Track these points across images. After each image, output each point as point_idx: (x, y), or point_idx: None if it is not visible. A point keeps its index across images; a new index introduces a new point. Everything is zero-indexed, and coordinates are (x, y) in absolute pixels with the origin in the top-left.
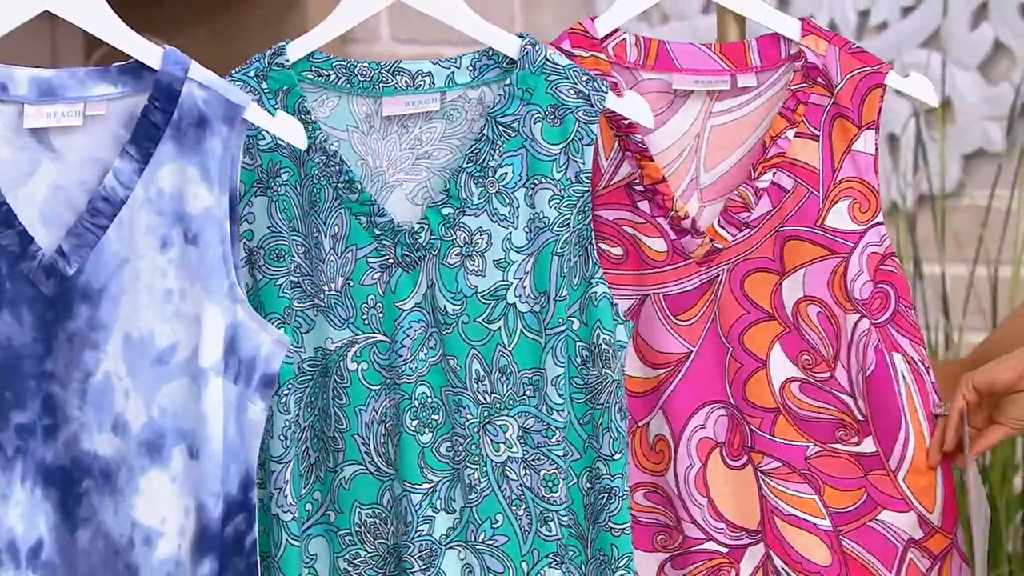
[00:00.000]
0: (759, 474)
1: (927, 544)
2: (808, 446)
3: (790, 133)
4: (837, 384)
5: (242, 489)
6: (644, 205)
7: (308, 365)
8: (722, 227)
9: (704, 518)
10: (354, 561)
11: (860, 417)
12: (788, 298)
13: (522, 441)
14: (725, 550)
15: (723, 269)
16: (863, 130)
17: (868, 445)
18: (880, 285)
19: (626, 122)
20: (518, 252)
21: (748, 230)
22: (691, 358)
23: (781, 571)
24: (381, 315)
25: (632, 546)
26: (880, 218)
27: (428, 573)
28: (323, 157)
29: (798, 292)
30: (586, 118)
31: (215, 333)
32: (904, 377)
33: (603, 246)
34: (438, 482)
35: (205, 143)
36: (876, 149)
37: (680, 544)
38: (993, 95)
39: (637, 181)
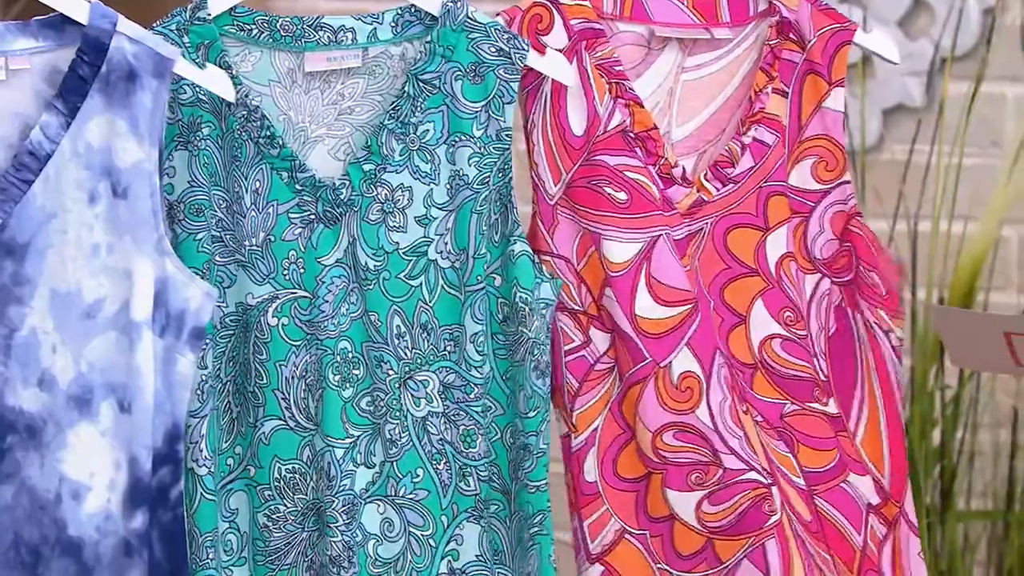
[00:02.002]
0: (755, 424)
1: (883, 510)
2: (784, 404)
3: (769, 88)
4: (810, 343)
5: (168, 442)
6: (639, 151)
7: (229, 320)
8: (708, 180)
9: (743, 448)
10: (273, 516)
11: (823, 378)
12: (772, 254)
13: (442, 396)
14: (766, 481)
15: (707, 223)
16: (833, 87)
17: (832, 406)
18: (845, 244)
19: (618, 68)
20: (439, 209)
21: (732, 185)
22: (699, 301)
23: (790, 515)
24: (302, 271)
25: (548, 503)
26: (847, 177)
27: (351, 527)
28: (244, 112)
29: (781, 248)
30: (507, 76)
31: (146, 286)
32: (862, 339)
33: (608, 190)
34: (359, 437)
35: (134, 97)
36: (844, 107)
37: (719, 478)
38: (913, 50)
39: (629, 128)
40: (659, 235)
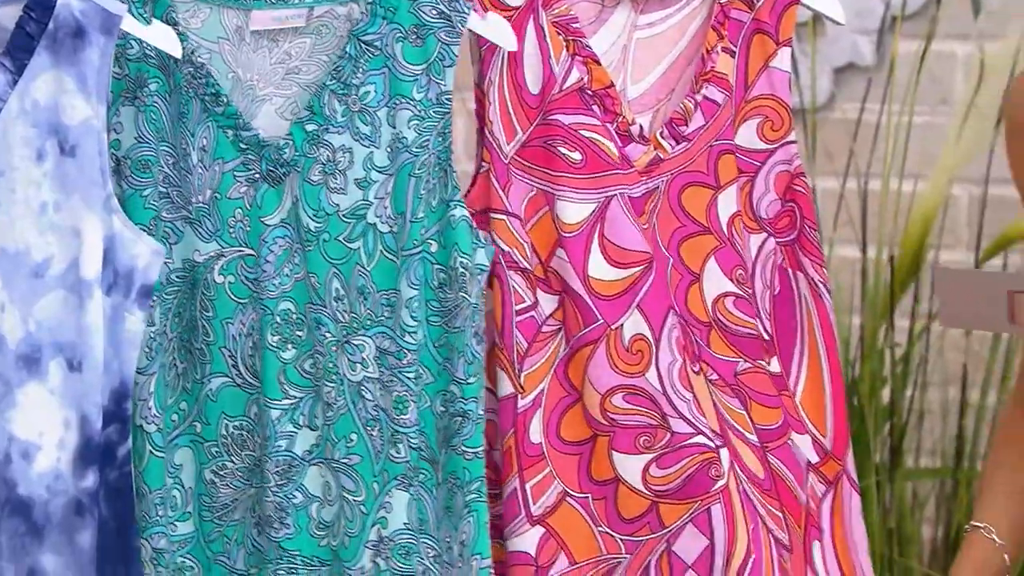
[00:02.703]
0: (708, 383)
1: (822, 469)
2: (738, 362)
3: (719, 47)
4: (755, 302)
5: (116, 400)
6: (596, 109)
7: (176, 276)
8: (664, 138)
9: (692, 412)
10: (220, 472)
11: (767, 337)
12: (723, 212)
13: (378, 362)
14: (713, 444)
15: (663, 180)
16: (781, 47)
17: (775, 365)
18: (788, 204)
19: (575, 25)
20: (379, 172)
21: (685, 143)
22: (655, 260)
23: (740, 476)
24: (247, 229)
25: (485, 470)
26: (792, 136)
27: (285, 488)
28: (191, 69)
29: (732, 206)
30: (448, 39)
31: (95, 244)
32: (805, 298)
33: (562, 150)
34: (301, 398)
35: (82, 53)
36: (793, 66)
37: (667, 442)
38: (863, 8)
39: (587, 86)
40: (613, 195)
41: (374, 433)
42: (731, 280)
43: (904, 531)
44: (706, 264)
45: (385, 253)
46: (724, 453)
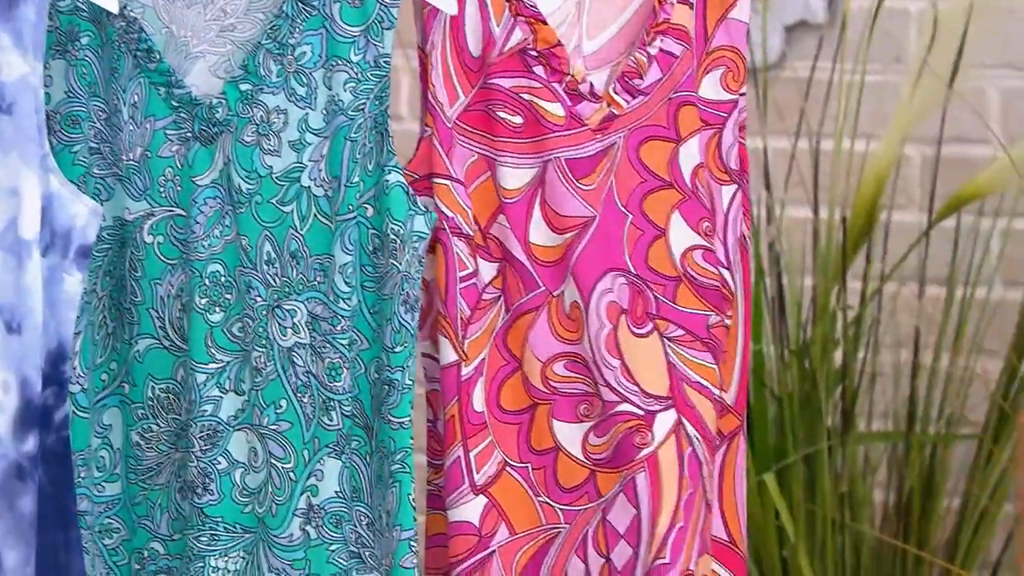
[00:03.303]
0: (665, 341)
1: (719, 422)
2: (710, 315)
3: None
4: (726, 255)
5: (52, 363)
6: (539, 70)
7: (107, 234)
8: (617, 93)
9: (618, 380)
10: (146, 435)
11: (734, 290)
12: (686, 165)
13: (310, 327)
14: (640, 412)
15: (619, 136)
16: None
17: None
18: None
19: None
20: (314, 134)
21: (642, 96)
22: (595, 222)
23: (692, 437)
24: (178, 189)
25: (411, 440)
26: (744, 88)
27: (209, 454)
28: (123, 23)
29: (695, 158)
30: (387, 1)
31: (33, 204)
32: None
33: (501, 114)
34: (228, 362)
35: (17, 10)
36: (749, 17)
37: (601, 410)
38: None
39: (531, 46)
40: (549, 160)
41: (304, 400)
42: (697, 233)
43: (856, 495)
44: (671, 218)
45: (319, 217)
46: (664, 418)
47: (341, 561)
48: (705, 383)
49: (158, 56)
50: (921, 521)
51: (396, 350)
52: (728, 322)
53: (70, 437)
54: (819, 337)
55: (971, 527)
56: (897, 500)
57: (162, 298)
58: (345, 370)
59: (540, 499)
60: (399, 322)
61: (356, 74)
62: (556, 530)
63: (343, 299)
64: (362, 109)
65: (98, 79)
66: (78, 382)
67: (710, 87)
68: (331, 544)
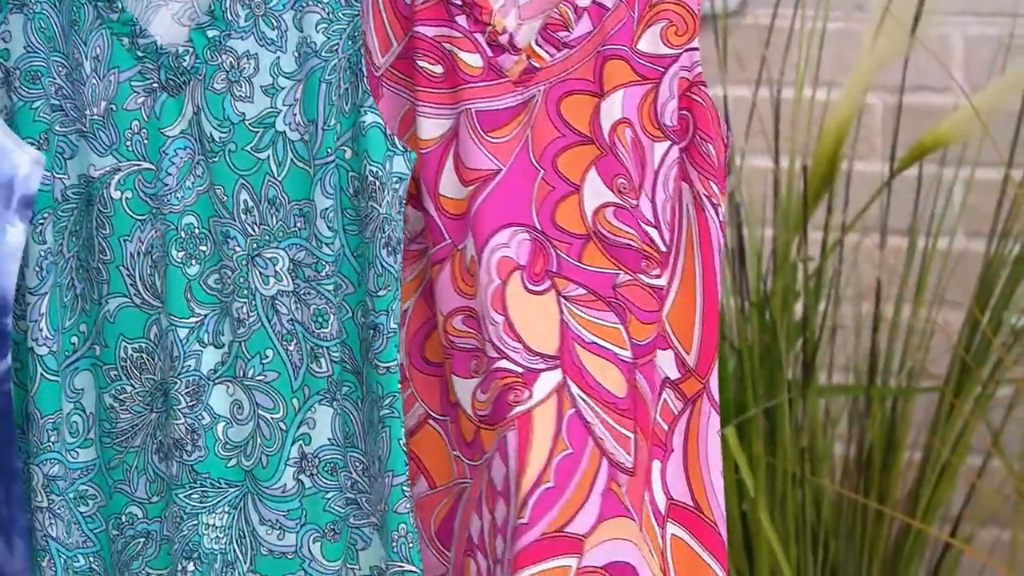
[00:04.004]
0: (562, 300)
1: (681, 385)
2: (618, 274)
3: None
4: (641, 214)
5: None
6: (461, 19)
7: (72, 192)
8: (540, 45)
9: (499, 336)
10: (120, 396)
11: (663, 248)
12: (605, 120)
13: (292, 274)
14: (519, 370)
15: (539, 90)
16: None
17: (664, 279)
18: (683, 112)
19: None
20: (287, 78)
21: (567, 50)
22: (499, 176)
23: (578, 398)
24: (146, 141)
25: (399, 384)
26: (696, 43)
27: (195, 409)
28: None
29: (615, 113)
30: None
31: None
32: (688, 210)
33: (422, 63)
34: (206, 315)
35: None
36: None
37: (486, 366)
38: None
39: None
40: (462, 111)
41: (291, 348)
42: (611, 190)
43: (816, 449)
44: (587, 175)
45: (296, 162)
46: (547, 377)
47: (338, 508)
48: (604, 343)
49: (120, 6)
50: (882, 475)
51: (380, 294)
52: (651, 281)
53: (30, 398)
54: (780, 289)
55: (932, 481)
56: (858, 454)
57: (132, 255)
58: (332, 316)
59: (455, 453)
60: (382, 265)
61: (328, 14)
62: (463, 485)
63: (326, 244)
64: (336, 50)
65: (57, 33)
66: (46, 344)
67: (649, 41)
68: (327, 492)
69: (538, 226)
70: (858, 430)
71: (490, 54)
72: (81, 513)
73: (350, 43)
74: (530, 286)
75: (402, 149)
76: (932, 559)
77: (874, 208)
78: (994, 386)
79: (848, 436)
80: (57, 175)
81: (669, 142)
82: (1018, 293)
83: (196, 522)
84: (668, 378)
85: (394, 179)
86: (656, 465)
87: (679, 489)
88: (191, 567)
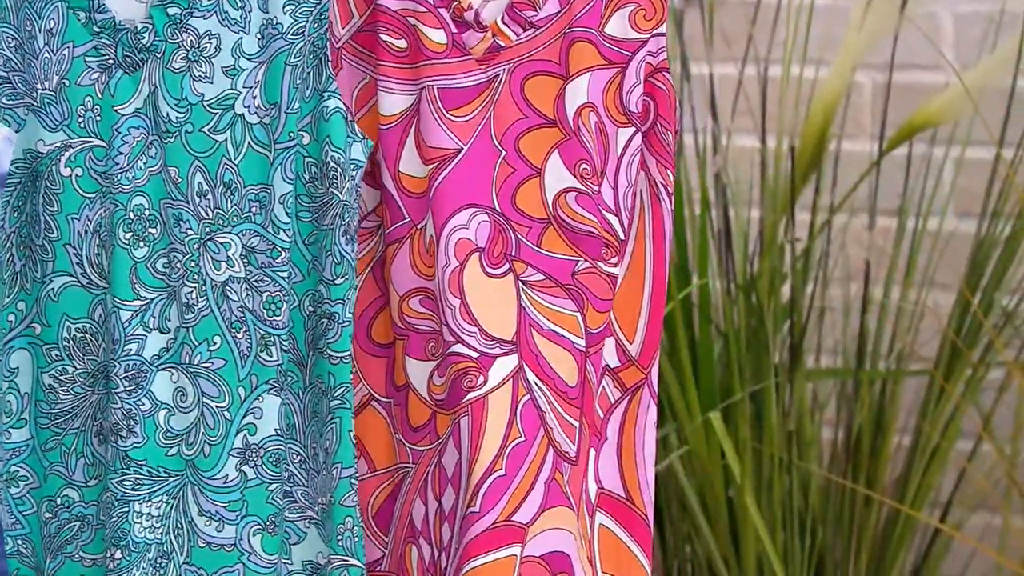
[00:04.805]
0: (520, 285)
1: (621, 375)
2: (577, 261)
3: None
4: (602, 200)
5: None
6: None
7: (16, 168)
8: (506, 24)
9: (455, 319)
10: (61, 377)
11: (623, 236)
12: (570, 104)
13: (245, 260)
14: (475, 355)
15: (504, 69)
16: None
17: (620, 268)
18: (644, 98)
19: None
20: (249, 59)
21: (533, 30)
22: (460, 156)
23: (533, 384)
24: (99, 119)
25: (351, 375)
26: (663, 28)
27: (134, 395)
28: None
29: (581, 97)
30: None
31: None
32: (642, 198)
33: (386, 38)
34: (152, 299)
35: None
36: None
37: (443, 350)
38: None
39: None
40: (423, 88)
41: (239, 336)
42: (574, 175)
43: (803, 433)
44: (548, 158)
45: (254, 146)
46: (503, 362)
47: (278, 500)
48: (560, 331)
49: None
50: (870, 460)
51: (336, 282)
52: (609, 269)
53: None
54: (766, 271)
55: (922, 466)
56: (846, 438)
57: (80, 233)
58: (284, 304)
59: (397, 437)
60: (340, 253)
61: None
62: (406, 470)
63: (283, 230)
64: (302, 32)
65: (9, 5)
66: None
67: (618, 24)
68: (270, 483)
69: (498, 208)
70: (846, 414)
71: (455, 31)
72: (11, 495)
73: (315, 26)
74: (488, 269)
75: (360, 136)
76: (921, 545)
77: (863, 188)
78: (984, 369)
79: (836, 420)
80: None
81: (633, 128)
82: (1009, 274)
83: (127, 509)
84: (608, 366)
85: (352, 166)
86: (592, 454)
87: (611, 479)
88: (118, 555)
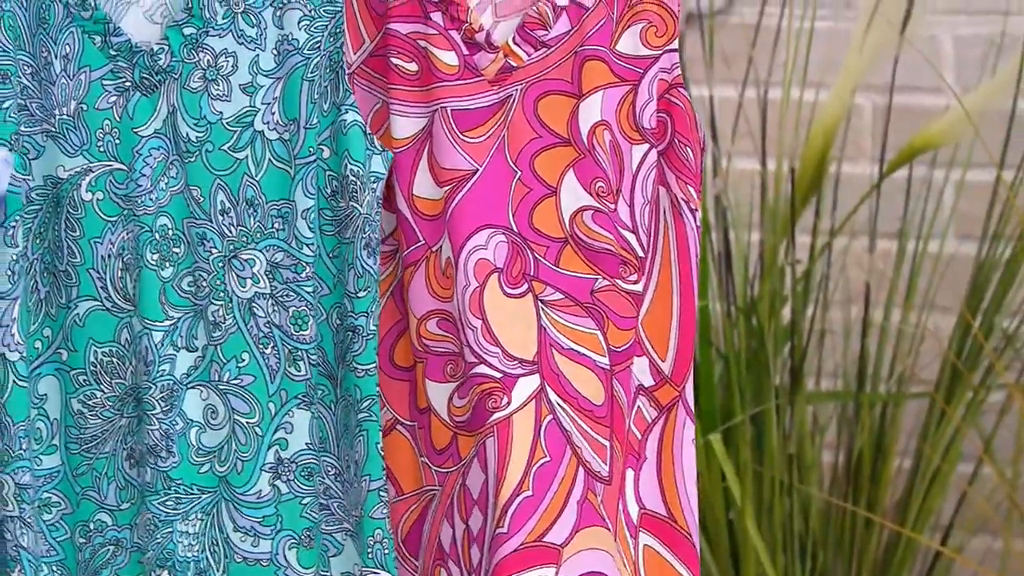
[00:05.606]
0: (540, 304)
1: (656, 393)
2: (596, 279)
3: None
4: (619, 218)
5: None
6: (437, 17)
7: (37, 194)
8: (517, 44)
9: (477, 340)
10: (89, 402)
11: (641, 254)
12: (584, 122)
13: (270, 276)
14: (498, 375)
15: (516, 90)
16: None
17: (640, 285)
18: (660, 114)
19: None
20: (266, 76)
21: (545, 49)
22: (476, 176)
23: (556, 405)
24: (118, 142)
25: (377, 388)
26: (675, 44)
27: (170, 414)
28: None
29: (594, 116)
30: None
31: None
32: (665, 215)
33: (397, 61)
34: (179, 319)
35: None
36: None
37: (464, 371)
38: None
39: None
40: (436, 110)
41: (267, 351)
42: (590, 193)
43: (804, 457)
44: (564, 177)
45: (274, 161)
46: (526, 382)
47: (313, 514)
48: (581, 350)
49: (93, 4)
50: (871, 483)
51: (360, 295)
52: (628, 287)
53: (0, 405)
54: (767, 293)
55: (923, 489)
56: (847, 461)
57: (103, 257)
58: (311, 318)
59: (422, 459)
60: (362, 266)
61: (309, 11)
62: (432, 492)
63: (306, 245)
64: (318, 47)
65: (24, 32)
66: (17, 350)
67: (629, 42)
68: (303, 497)
69: (515, 228)
70: (847, 437)
71: (466, 52)
72: (45, 522)
73: (331, 40)
74: (508, 289)
75: (380, 148)
76: (923, 568)
77: (863, 211)
78: (985, 392)
79: (837, 443)
80: (23, 176)
81: (648, 145)
82: (1009, 297)
83: (171, 529)
84: (642, 385)
85: (372, 179)
86: (629, 474)
87: (652, 499)
88: (165, 575)
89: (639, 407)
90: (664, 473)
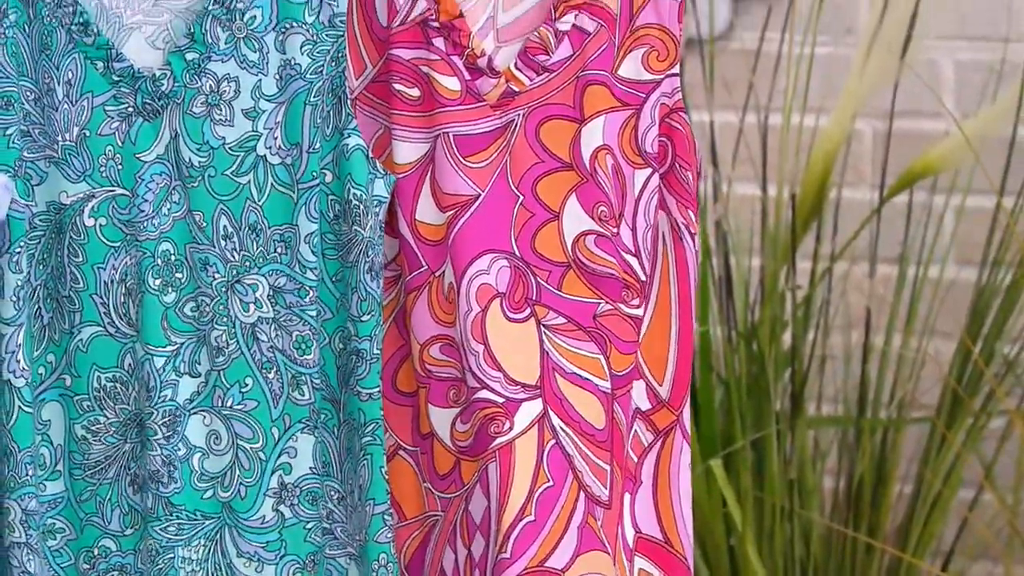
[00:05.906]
0: (542, 329)
1: (653, 417)
2: (599, 303)
3: None
4: (621, 242)
5: None
6: (439, 42)
7: (40, 220)
8: (519, 69)
9: (479, 365)
10: (93, 427)
11: (644, 278)
12: (586, 147)
13: (273, 301)
14: (500, 400)
15: (518, 114)
16: None
17: (642, 309)
18: (661, 139)
19: None
20: (268, 101)
21: (547, 74)
22: (478, 201)
23: (558, 429)
24: (120, 167)
25: (381, 412)
26: (676, 69)
27: (172, 440)
28: None
29: (596, 140)
30: None
31: None
32: (664, 239)
33: (399, 87)
34: (181, 344)
35: None
36: None
37: (467, 396)
38: None
39: (433, 17)
40: (439, 136)
41: (271, 376)
42: (592, 218)
43: (805, 482)
44: (566, 202)
45: (277, 186)
46: (528, 407)
47: (317, 539)
48: (584, 374)
49: (96, 30)
50: (872, 508)
51: (363, 319)
52: (631, 311)
53: (7, 431)
54: (767, 319)
55: (924, 514)
56: (847, 487)
57: (106, 283)
58: (314, 342)
59: (425, 485)
60: (365, 290)
61: (312, 36)
62: (435, 518)
63: (310, 269)
64: (320, 71)
65: (26, 58)
66: (23, 376)
67: (631, 66)
68: (307, 522)
69: (518, 253)
70: (848, 462)
71: (468, 77)
72: (49, 548)
73: (334, 65)
74: (510, 314)
75: (382, 172)
76: None
77: (863, 236)
78: (986, 418)
79: (838, 468)
80: (26, 203)
81: (650, 169)
82: (1010, 323)
83: (172, 555)
84: (639, 409)
85: (375, 202)
86: (626, 498)
87: (647, 522)
88: None
89: (636, 431)
90: (660, 497)
